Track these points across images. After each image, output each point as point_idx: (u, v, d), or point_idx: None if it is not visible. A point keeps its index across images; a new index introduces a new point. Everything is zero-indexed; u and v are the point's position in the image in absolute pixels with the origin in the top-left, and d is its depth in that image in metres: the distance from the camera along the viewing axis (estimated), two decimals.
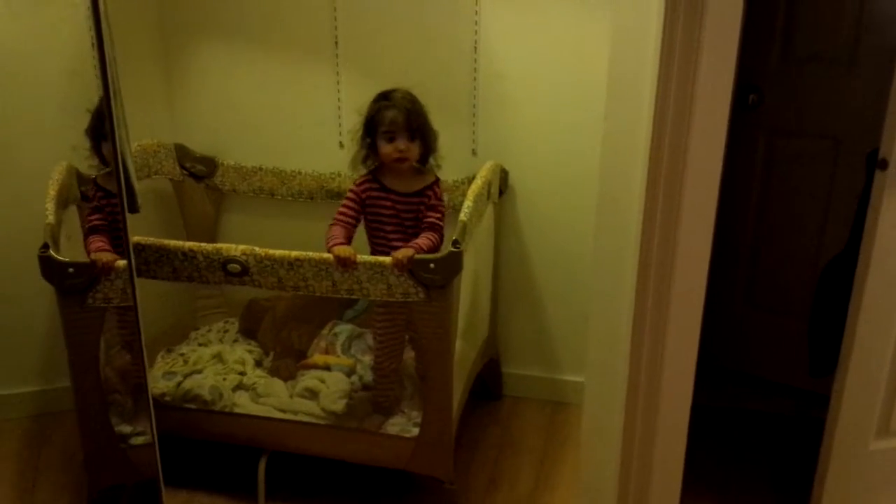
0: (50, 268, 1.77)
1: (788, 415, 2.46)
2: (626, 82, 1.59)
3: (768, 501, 2.10)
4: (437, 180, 2.06)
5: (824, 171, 2.37)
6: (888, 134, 1.64)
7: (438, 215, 2.02)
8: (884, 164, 1.65)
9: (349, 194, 2.04)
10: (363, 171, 2.06)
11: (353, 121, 2.11)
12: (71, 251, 1.89)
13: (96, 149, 1.93)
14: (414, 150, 1.99)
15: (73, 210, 2.08)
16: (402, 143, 1.96)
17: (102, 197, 1.95)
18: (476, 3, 2.22)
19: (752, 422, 2.45)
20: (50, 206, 1.88)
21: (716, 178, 1.60)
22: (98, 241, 1.89)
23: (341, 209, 2.02)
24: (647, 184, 1.58)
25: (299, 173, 2.45)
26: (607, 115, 1.60)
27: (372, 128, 1.99)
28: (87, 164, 2.12)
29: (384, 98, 2.00)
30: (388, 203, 2.02)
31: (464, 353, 2.22)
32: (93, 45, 2.18)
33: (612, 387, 1.79)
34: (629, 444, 1.81)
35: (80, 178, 2.16)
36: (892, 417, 1.88)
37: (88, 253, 1.90)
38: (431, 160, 2.06)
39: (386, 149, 1.97)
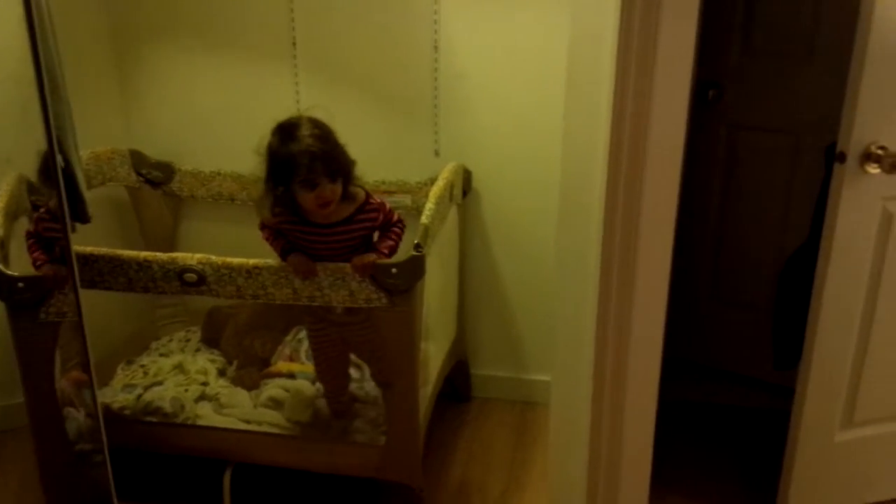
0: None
1: (757, 408, 2.48)
2: (584, 80, 1.59)
3: (738, 494, 2.11)
4: (367, 194, 1.85)
5: (785, 165, 2.39)
6: (845, 127, 1.65)
7: (387, 220, 1.87)
8: (842, 158, 1.66)
9: (263, 233, 1.85)
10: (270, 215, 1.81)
11: None
12: (22, 264, 1.83)
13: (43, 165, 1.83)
14: (338, 190, 1.75)
15: (23, 221, 2.02)
16: (325, 190, 1.72)
17: (42, 220, 1.84)
18: (436, 3, 2.19)
19: (722, 416, 2.46)
20: None
21: (676, 175, 1.60)
22: (41, 253, 1.80)
23: (266, 238, 1.86)
24: (607, 182, 1.57)
25: (259, 178, 2.40)
26: (566, 113, 1.59)
27: (283, 175, 1.73)
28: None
29: (289, 138, 1.72)
30: (313, 237, 1.81)
31: (432, 356, 2.20)
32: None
33: (577, 385, 1.78)
34: (596, 442, 1.81)
35: (31, 187, 2.10)
36: (856, 409, 1.90)
37: (33, 264, 1.82)
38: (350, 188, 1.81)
39: (307, 198, 1.73)
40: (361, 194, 1.84)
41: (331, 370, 2.03)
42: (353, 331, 1.93)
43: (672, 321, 1.80)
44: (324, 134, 1.74)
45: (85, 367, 1.32)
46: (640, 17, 1.47)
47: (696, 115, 2.31)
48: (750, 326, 2.55)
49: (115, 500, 1.51)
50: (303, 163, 1.70)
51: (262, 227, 1.87)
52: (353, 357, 2.09)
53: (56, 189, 1.19)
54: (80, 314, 1.24)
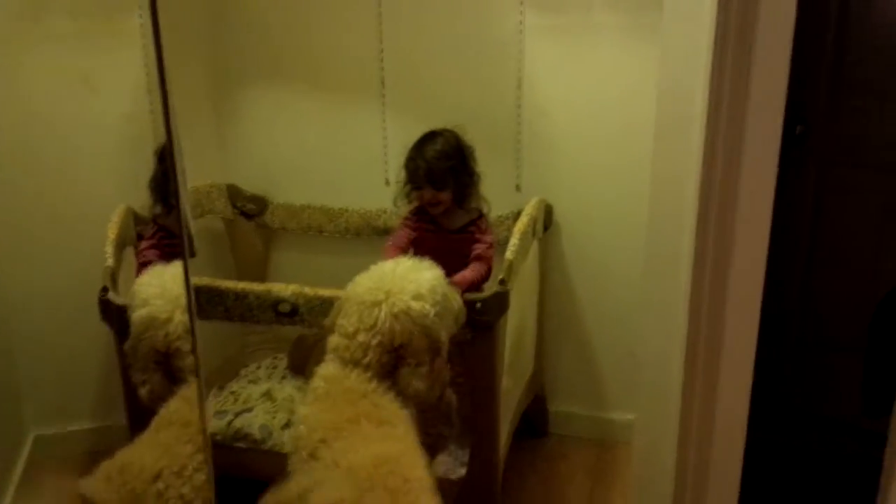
0: (109, 311, 1.82)
1: (848, 453, 2.39)
2: (673, 122, 1.59)
3: None
4: (482, 215, 2.13)
5: (877, 205, 2.33)
6: None
7: (485, 246, 2.07)
8: None
9: (404, 224, 2.14)
10: (406, 205, 2.16)
11: (399, 159, 2.17)
12: (130, 292, 1.94)
13: (161, 194, 1.99)
14: (443, 197, 2.07)
15: (129, 251, 2.15)
16: (427, 194, 2.07)
17: (164, 237, 2.01)
18: (520, 42, 2.25)
19: (811, 460, 2.38)
20: (109, 248, 1.94)
21: (767, 218, 1.59)
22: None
23: (395, 237, 2.13)
24: (696, 224, 1.57)
25: (346, 210, 2.49)
26: (655, 156, 1.61)
27: (406, 177, 2.11)
28: (141, 206, 2.20)
29: (419, 146, 2.08)
30: (435, 237, 2.09)
31: (509, 390, 2.21)
32: (149, 90, 2.29)
33: (663, 427, 1.76)
34: (682, 486, 1.78)
35: (137, 218, 2.23)
36: None
37: None
38: (473, 200, 2.13)
39: (416, 196, 2.11)
40: (477, 212, 2.13)
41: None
42: (455, 352, 1.98)
43: (760, 363, 1.77)
44: (446, 150, 2.06)
45: (199, 396, 1.40)
46: (732, 61, 1.48)
47: (783, 152, 2.28)
48: (840, 370, 2.47)
49: None
50: (411, 168, 2.07)
51: (403, 223, 2.17)
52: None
53: (180, 228, 1.28)
54: (194, 342, 1.31)
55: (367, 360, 1.63)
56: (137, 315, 1.77)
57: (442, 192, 2.06)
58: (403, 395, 1.68)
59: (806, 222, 2.48)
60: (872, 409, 2.21)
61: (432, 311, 1.66)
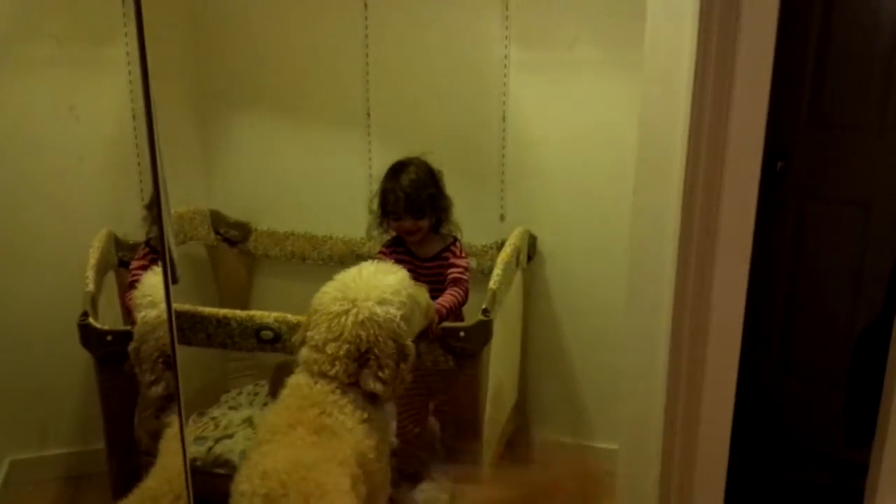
0: (88, 336, 1.81)
1: (828, 484, 2.40)
2: (655, 155, 1.62)
3: None
4: (456, 239, 2.15)
5: (856, 237, 2.36)
6: None
7: (460, 269, 2.09)
8: None
9: (380, 255, 2.12)
10: (379, 234, 2.18)
11: None
12: (110, 317, 1.93)
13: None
14: (422, 225, 2.09)
15: (110, 276, 2.14)
16: (407, 223, 2.08)
17: (155, 259, 2.01)
18: (505, 75, 2.28)
19: (792, 491, 2.39)
20: (90, 273, 1.93)
21: (747, 249, 1.61)
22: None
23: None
24: (678, 255, 1.59)
25: (330, 238, 2.50)
26: (636, 190, 1.63)
27: (381, 206, 2.11)
28: (124, 233, 2.19)
29: (393, 176, 2.09)
30: (412, 267, 2.07)
31: (493, 419, 2.21)
32: (134, 116, 2.29)
33: (645, 456, 1.77)
34: None
35: (119, 244, 2.22)
36: None
37: (127, 310, 1.95)
38: (447, 226, 2.16)
39: (394, 226, 2.12)
40: (451, 237, 2.16)
41: (411, 418, 2.08)
42: (438, 380, 1.98)
43: (742, 394, 1.78)
44: (421, 178, 2.08)
45: (179, 423, 1.39)
46: (712, 93, 1.51)
47: (764, 187, 2.31)
48: (821, 401, 2.48)
49: None
50: (390, 198, 2.07)
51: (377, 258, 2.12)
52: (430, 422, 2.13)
53: (161, 251, 1.27)
54: (175, 368, 1.31)
55: (334, 371, 1.63)
56: (146, 315, 1.78)
57: (421, 220, 2.08)
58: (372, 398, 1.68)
59: (786, 257, 2.51)
60: (855, 440, 2.22)
61: (398, 315, 1.66)
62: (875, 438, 1.81)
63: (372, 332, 1.63)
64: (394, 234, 2.16)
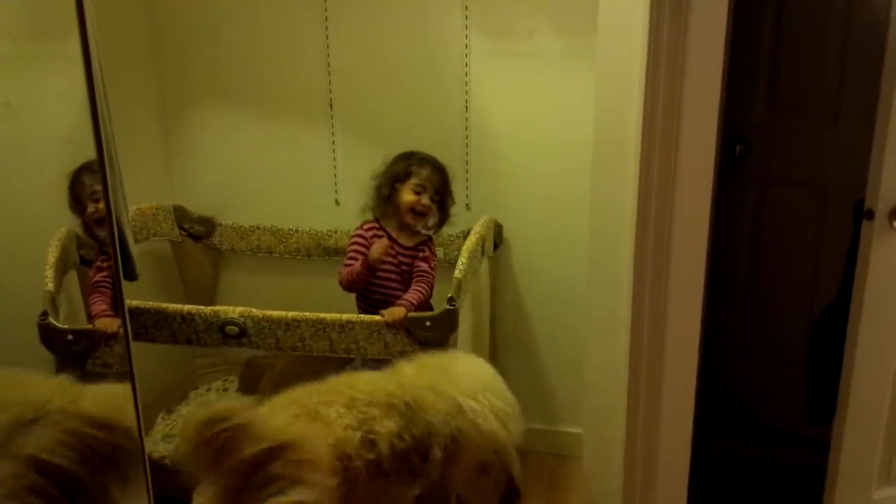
0: (49, 335, 1.78)
1: (793, 462, 2.45)
2: (610, 142, 1.64)
3: None
4: (431, 238, 2.19)
5: (813, 221, 2.40)
6: (873, 185, 1.67)
7: (428, 266, 2.13)
8: (870, 215, 1.68)
9: (356, 238, 2.13)
10: (365, 217, 2.18)
11: (349, 180, 2.21)
12: (71, 317, 1.91)
13: (81, 217, 1.95)
14: (432, 212, 2.12)
15: (72, 274, 2.10)
16: (425, 199, 2.09)
17: (105, 260, 1.97)
18: (466, 65, 2.28)
19: (757, 469, 2.43)
20: (49, 272, 1.89)
21: (704, 230, 1.63)
22: (100, 304, 1.90)
23: (351, 253, 2.11)
24: (636, 236, 1.61)
25: (296, 231, 2.49)
26: (594, 177, 1.64)
27: (399, 178, 2.11)
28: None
29: (417, 154, 2.13)
30: (394, 252, 2.11)
31: None
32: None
33: (610, 438, 1.79)
34: (630, 497, 1.81)
35: (80, 241, 2.19)
36: (893, 465, 1.88)
37: (89, 314, 1.92)
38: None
39: (409, 197, 2.09)
40: (426, 235, 2.17)
41: None
42: None
43: (705, 375, 1.81)
44: (442, 167, 2.15)
45: (137, 422, 1.37)
46: (665, 78, 1.53)
47: (724, 172, 2.34)
48: (782, 380, 2.53)
49: None
50: (423, 171, 2.10)
51: (355, 239, 2.14)
52: None
53: (112, 250, 1.26)
54: (131, 368, 1.29)
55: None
56: None
57: (436, 203, 2.11)
58: None
59: (746, 239, 2.55)
60: (816, 418, 2.27)
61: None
62: (836, 416, 1.86)
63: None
64: (376, 215, 2.17)
